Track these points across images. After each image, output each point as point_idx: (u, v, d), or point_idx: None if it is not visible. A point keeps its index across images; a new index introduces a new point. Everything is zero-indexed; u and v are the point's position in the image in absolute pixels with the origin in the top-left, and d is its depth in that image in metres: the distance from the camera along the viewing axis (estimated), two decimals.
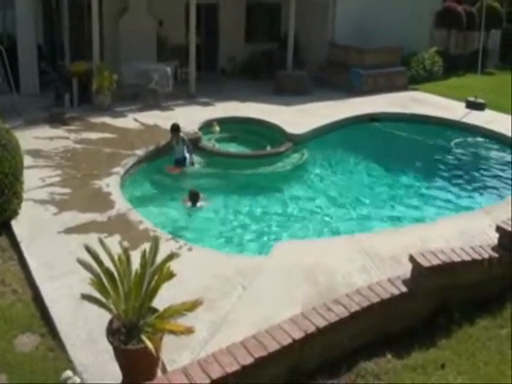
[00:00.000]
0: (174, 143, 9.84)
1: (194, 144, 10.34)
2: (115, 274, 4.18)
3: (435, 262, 5.15)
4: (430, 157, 11.65)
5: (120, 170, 8.87)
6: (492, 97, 14.75)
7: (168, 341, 4.22)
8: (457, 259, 5.30)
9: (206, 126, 11.74)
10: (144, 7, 14.36)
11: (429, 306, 5.24)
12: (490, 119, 13.25)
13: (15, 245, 6.41)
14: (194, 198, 8.17)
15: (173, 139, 9.86)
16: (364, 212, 8.65)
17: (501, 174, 10.64)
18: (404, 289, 5.03)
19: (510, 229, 5.72)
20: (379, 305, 4.83)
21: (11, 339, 4.86)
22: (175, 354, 4.50)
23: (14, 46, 12.78)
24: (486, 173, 10.76)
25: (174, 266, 4.21)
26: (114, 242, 5.75)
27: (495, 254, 5.59)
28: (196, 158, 10.15)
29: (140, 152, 9.76)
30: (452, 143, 12.30)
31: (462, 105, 14.46)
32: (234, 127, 11.95)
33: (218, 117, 12.23)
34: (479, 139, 12.55)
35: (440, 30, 19.28)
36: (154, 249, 4.30)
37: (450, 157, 11.59)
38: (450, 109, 14.27)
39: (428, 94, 15.96)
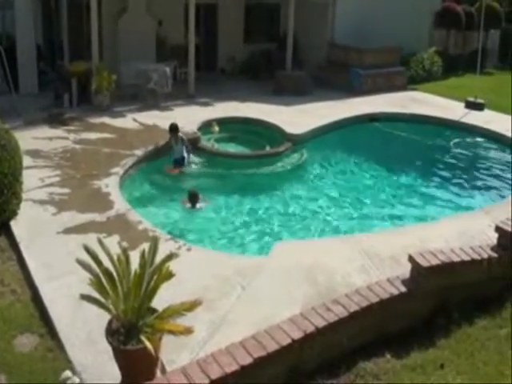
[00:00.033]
0: (172, 143, 9.83)
1: (193, 144, 10.34)
2: (114, 274, 4.18)
3: (434, 262, 5.15)
4: (429, 157, 11.66)
5: (119, 170, 8.87)
6: (491, 97, 14.75)
7: (167, 341, 4.22)
8: (456, 259, 5.30)
9: (206, 126, 11.74)
10: (143, 7, 14.36)
11: (428, 306, 5.24)
12: (489, 119, 13.26)
13: (14, 245, 6.41)
14: (193, 199, 8.16)
15: (171, 139, 9.86)
16: (364, 212, 8.65)
17: (500, 173, 10.65)
18: (403, 289, 5.03)
19: (509, 229, 5.72)
20: (378, 305, 4.83)
21: (10, 339, 4.86)
22: (174, 354, 4.50)
23: (13, 46, 12.78)
24: (485, 173, 10.77)
25: (173, 266, 4.21)
26: (113, 242, 5.74)
27: (494, 254, 5.58)
28: (195, 158, 10.15)
29: (139, 152, 9.76)
30: (451, 143, 12.31)
31: (462, 105, 14.47)
32: (234, 127, 11.96)
33: (217, 117, 12.23)
34: (478, 139, 12.55)
35: (439, 30, 19.29)
36: (153, 249, 4.30)
37: (450, 157, 11.59)
38: (450, 109, 14.28)
39: (427, 94, 15.97)
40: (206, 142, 11.10)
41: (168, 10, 14.92)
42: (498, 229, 5.84)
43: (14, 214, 6.96)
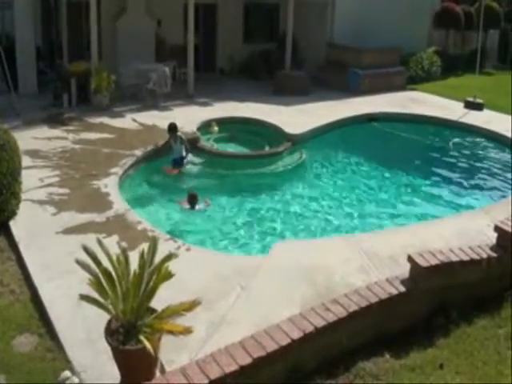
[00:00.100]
0: (172, 143, 9.83)
1: (193, 144, 10.34)
2: (113, 274, 4.17)
3: (433, 262, 5.15)
4: (428, 156, 11.67)
5: (118, 170, 8.87)
6: (490, 97, 14.77)
7: (166, 341, 4.22)
8: (455, 259, 5.30)
9: (205, 126, 11.75)
10: (142, 7, 14.36)
11: (427, 306, 5.25)
12: (488, 119, 13.27)
13: (13, 245, 6.40)
14: (192, 200, 8.12)
15: (171, 139, 9.85)
16: (363, 211, 8.65)
17: (500, 173, 10.66)
18: (402, 289, 5.03)
19: (508, 229, 5.73)
20: (378, 305, 4.83)
21: (9, 340, 4.85)
22: (174, 354, 4.50)
23: (12, 46, 12.78)
24: (484, 172, 10.78)
25: (172, 266, 4.21)
26: (113, 243, 5.71)
27: (493, 254, 5.59)
28: (194, 158, 10.15)
29: (138, 152, 9.76)
30: (450, 143, 12.32)
31: (461, 105, 14.48)
32: (233, 127, 11.96)
33: (216, 117, 12.23)
34: (478, 139, 12.56)
35: (438, 30, 19.31)
36: (153, 249, 4.30)
37: (449, 156, 11.60)
38: (449, 109, 14.29)
39: (426, 93, 15.99)
40: (206, 142, 11.10)
41: (167, 10, 14.93)
42: (497, 228, 5.84)
43: (13, 214, 6.95)
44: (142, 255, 4.23)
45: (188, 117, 11.92)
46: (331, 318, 4.58)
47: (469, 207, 8.75)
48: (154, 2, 14.53)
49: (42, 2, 15.18)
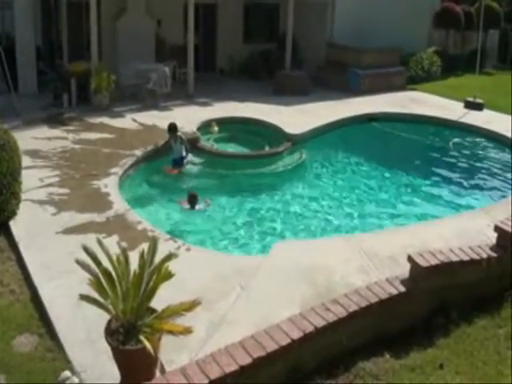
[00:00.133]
0: (171, 143, 9.83)
1: (193, 144, 10.34)
2: (113, 274, 4.17)
3: (433, 262, 5.15)
4: (428, 156, 11.67)
5: (118, 170, 8.87)
6: (490, 97, 14.77)
7: (166, 341, 4.22)
8: (455, 259, 5.30)
9: (205, 126, 11.75)
10: (142, 7, 14.36)
11: (427, 306, 5.25)
12: (488, 119, 13.27)
13: (13, 245, 6.40)
14: (192, 200, 8.12)
15: (171, 139, 9.85)
16: (363, 211, 8.65)
17: (500, 173, 10.66)
18: (402, 289, 5.03)
19: (507, 228, 5.73)
20: (378, 305, 4.83)
21: (9, 340, 4.85)
22: (174, 354, 4.50)
23: (12, 46, 12.79)
24: (484, 172, 10.78)
25: (172, 266, 4.21)
26: (113, 243, 5.72)
27: (493, 254, 5.59)
28: (194, 158, 10.14)
29: (138, 152, 9.76)
30: (450, 143, 12.32)
31: (461, 105, 14.48)
32: (233, 127, 11.96)
33: (216, 117, 12.23)
34: (478, 139, 12.56)
35: (438, 30, 19.31)
36: (153, 249, 4.30)
37: (449, 156, 11.60)
38: (449, 109, 14.29)
39: (426, 93, 15.99)
40: (206, 142, 11.10)
41: (167, 10, 14.93)
42: (496, 228, 5.84)
43: (13, 214, 6.95)
44: (141, 255, 4.23)
45: (188, 117, 11.92)
46: (331, 318, 4.58)
47: (469, 207, 8.75)
48: (154, 1, 14.53)
49: (42, 1, 15.18)
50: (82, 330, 4.84)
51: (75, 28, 14.16)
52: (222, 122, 11.94)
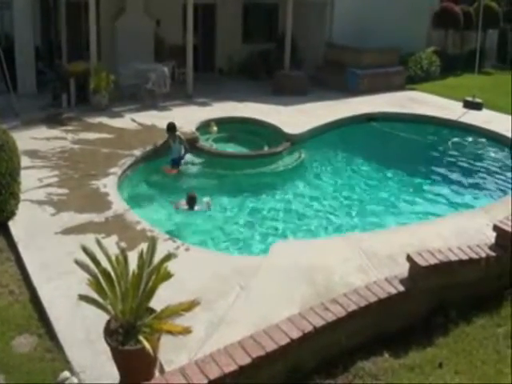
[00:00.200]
0: (170, 143, 9.83)
1: (192, 144, 10.33)
2: (112, 274, 4.17)
3: (432, 261, 5.15)
4: (428, 156, 11.68)
5: (117, 170, 8.86)
6: (489, 96, 14.78)
7: (166, 341, 4.22)
8: (454, 258, 5.31)
9: (204, 126, 11.74)
10: (141, 7, 14.36)
11: (426, 305, 5.25)
12: (487, 119, 13.28)
13: (12, 246, 6.39)
14: (191, 202, 8.09)
15: (169, 139, 9.85)
16: (362, 210, 8.66)
17: (500, 172, 10.67)
18: (401, 288, 5.03)
19: (506, 228, 5.73)
20: (377, 304, 4.83)
21: (9, 340, 4.85)
22: (173, 354, 4.50)
23: (11, 46, 12.78)
24: (484, 172, 10.79)
25: (171, 266, 4.21)
26: (112, 243, 5.73)
27: (492, 253, 5.59)
28: (194, 159, 10.14)
29: (137, 152, 9.76)
30: (450, 142, 12.33)
31: (460, 104, 14.49)
32: (232, 127, 11.96)
33: (215, 117, 12.23)
34: (477, 139, 12.57)
35: (437, 30, 19.32)
36: (152, 249, 4.29)
37: (448, 156, 11.61)
38: (448, 108, 14.30)
39: (425, 93, 16.00)
40: (205, 142, 11.10)
41: (166, 10, 14.93)
42: (495, 228, 5.85)
43: (12, 214, 6.95)
44: (140, 255, 4.22)
45: (187, 117, 11.92)
46: (330, 317, 4.58)
47: (469, 206, 8.75)
48: (153, 1, 14.53)
49: (41, 1, 15.18)
50: (82, 330, 4.84)
51: (74, 28, 14.16)
52: (221, 122, 11.94)
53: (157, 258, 4.23)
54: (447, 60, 18.54)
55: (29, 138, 9.92)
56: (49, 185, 8.11)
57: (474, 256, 5.46)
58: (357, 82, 15.46)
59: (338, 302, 4.77)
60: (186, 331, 4.08)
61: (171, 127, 9.77)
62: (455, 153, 11.76)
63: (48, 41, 15.61)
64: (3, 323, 5.05)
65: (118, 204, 7.57)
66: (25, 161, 8.23)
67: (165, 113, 12.41)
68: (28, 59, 12.87)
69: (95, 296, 4.15)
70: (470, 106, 14.23)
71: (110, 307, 4.13)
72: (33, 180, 8.10)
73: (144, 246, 4.44)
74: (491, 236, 5.92)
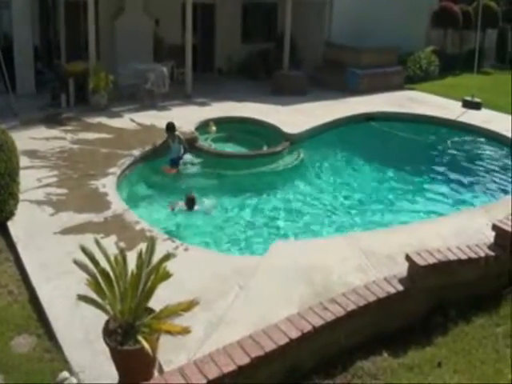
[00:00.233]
0: (170, 142, 9.83)
1: (191, 144, 10.33)
2: (111, 274, 4.17)
3: (431, 260, 5.16)
4: (427, 155, 11.69)
5: (116, 170, 8.86)
6: (488, 96, 14.78)
7: (165, 341, 4.22)
8: (453, 258, 5.31)
9: (203, 126, 11.74)
10: (140, 7, 14.35)
11: (425, 305, 5.25)
12: (486, 118, 13.29)
13: (11, 246, 6.39)
14: (190, 203, 8.08)
15: (169, 138, 9.85)
16: (361, 210, 8.66)
17: (498, 172, 10.68)
18: (400, 288, 5.03)
19: (506, 227, 5.73)
20: (376, 304, 4.84)
21: (8, 340, 4.85)
22: (172, 354, 4.50)
23: (10, 46, 12.77)
24: (482, 171, 10.79)
25: (170, 265, 4.21)
26: (111, 243, 5.74)
27: (491, 253, 5.60)
28: (194, 159, 10.14)
29: (136, 152, 9.75)
30: (448, 142, 12.33)
31: (459, 104, 14.50)
32: (231, 127, 11.96)
33: (214, 117, 12.23)
34: (476, 138, 12.58)
35: (436, 30, 19.33)
36: (151, 249, 4.29)
37: (448, 156, 11.62)
38: (447, 108, 14.31)
39: (424, 93, 16.01)
40: (204, 142, 11.10)
41: (165, 10, 14.92)
42: (494, 227, 5.85)
43: (11, 214, 6.94)
44: (139, 255, 4.22)
45: (186, 117, 11.91)
46: (329, 317, 4.58)
47: (468, 206, 8.75)
48: (152, 1, 14.52)
49: (40, 1, 15.16)
50: (80, 330, 4.84)
51: (73, 28, 14.14)
52: (220, 122, 11.94)
53: (156, 258, 4.23)
54: (446, 60, 18.55)
55: (28, 138, 9.91)
56: (48, 185, 8.10)
57: (473, 256, 5.46)
58: (357, 82, 15.47)
59: (336, 302, 4.77)
60: (185, 331, 4.08)
61: (170, 127, 9.77)
62: (455, 152, 11.77)
63: (47, 41, 15.59)
64: (2, 323, 5.04)
65: (117, 204, 7.57)
66: (24, 161, 8.23)
67: (164, 113, 12.41)
68: (27, 59, 12.86)
69: (94, 296, 4.14)
70: (469, 105, 14.24)
71: (108, 307, 4.12)
72: (32, 180, 8.10)
73: (143, 245, 4.43)
74: (490, 236, 5.92)
